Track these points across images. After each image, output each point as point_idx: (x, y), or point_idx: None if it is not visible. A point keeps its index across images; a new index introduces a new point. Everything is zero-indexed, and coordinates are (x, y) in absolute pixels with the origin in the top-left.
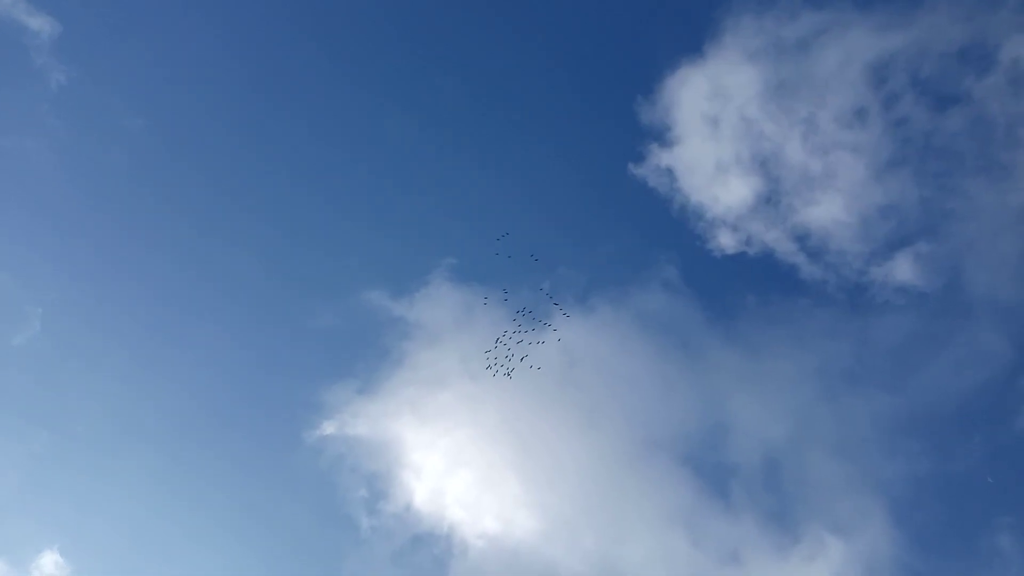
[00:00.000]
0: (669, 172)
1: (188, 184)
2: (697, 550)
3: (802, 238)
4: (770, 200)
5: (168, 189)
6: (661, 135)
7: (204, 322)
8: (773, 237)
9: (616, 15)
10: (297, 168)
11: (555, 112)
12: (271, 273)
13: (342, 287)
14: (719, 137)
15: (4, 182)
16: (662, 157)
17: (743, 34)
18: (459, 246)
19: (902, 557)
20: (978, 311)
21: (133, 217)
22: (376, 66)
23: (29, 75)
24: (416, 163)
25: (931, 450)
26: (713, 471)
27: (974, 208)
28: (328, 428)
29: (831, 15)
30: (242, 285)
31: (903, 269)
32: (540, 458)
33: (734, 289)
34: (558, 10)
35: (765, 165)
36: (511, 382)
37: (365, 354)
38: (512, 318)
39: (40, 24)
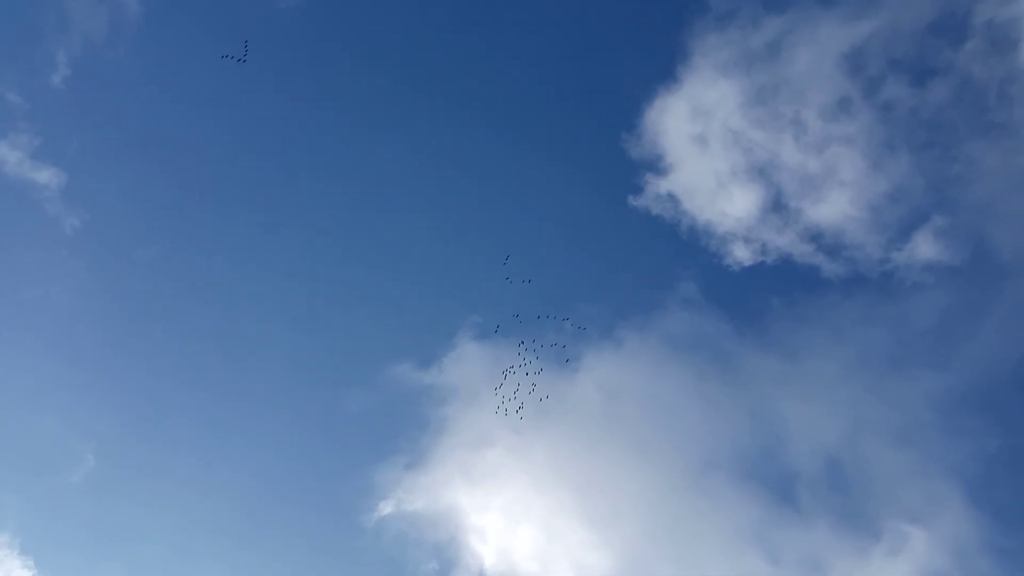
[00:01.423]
0: (671, 197)
1: (205, 299)
2: (776, 567)
3: (816, 238)
4: (776, 206)
5: (188, 306)
6: (654, 164)
7: (245, 429)
8: (787, 242)
9: (584, 58)
10: (306, 260)
11: (548, 163)
12: (297, 371)
13: (368, 369)
14: (711, 154)
15: (36, 331)
16: (660, 185)
17: (711, 51)
18: (480, 304)
19: (988, 537)
20: (1012, 272)
21: (162, 339)
22: (379, 146)
23: (44, 225)
24: (424, 231)
25: (993, 423)
26: (776, 481)
27: (980, 172)
28: (385, 508)
29: (794, 15)
30: (271, 388)
31: (925, 247)
32: (600, 498)
33: (759, 298)
34: (528, 61)
35: (764, 173)
36: (554, 428)
37: (405, 429)
38: (517, 351)
39: (48, 177)
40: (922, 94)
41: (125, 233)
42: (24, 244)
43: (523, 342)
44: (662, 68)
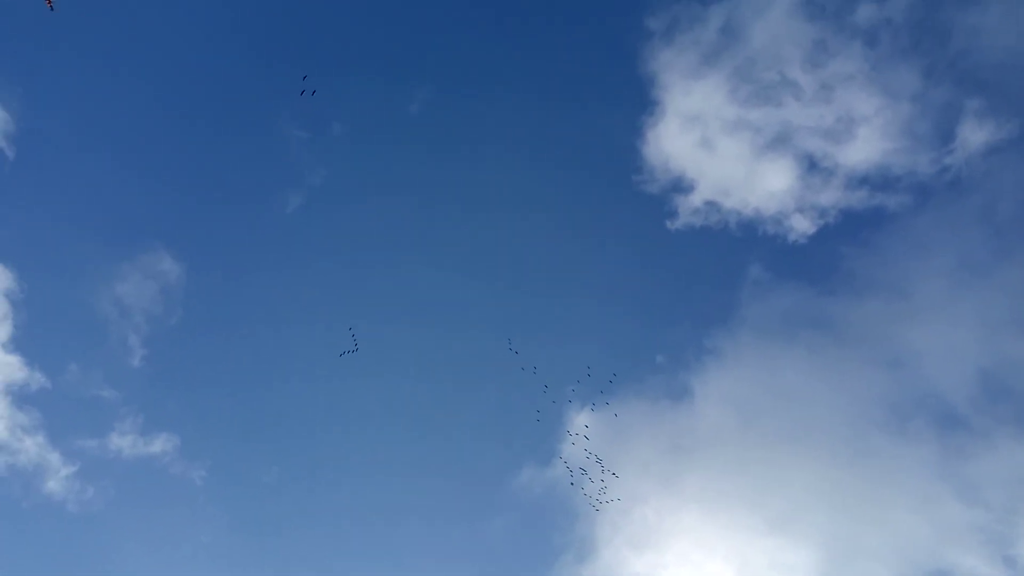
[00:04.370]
0: (710, 205)
1: (336, 488)
2: (976, 502)
3: (864, 181)
4: (812, 168)
5: (321, 499)
6: (678, 187)
7: None
8: (838, 196)
9: (566, 128)
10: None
11: (585, 237)
12: (430, 520)
13: (495, 491)
14: (724, 150)
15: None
16: (692, 200)
17: (673, 65)
18: (571, 376)
19: None
20: None
21: (309, 540)
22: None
23: (175, 485)
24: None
25: None
26: (937, 414)
27: (986, 38)
28: None
29: None
30: (418, 540)
31: (974, 135)
32: (775, 504)
33: (834, 256)
34: (519, 153)
35: (783, 143)
36: (697, 459)
37: (557, 525)
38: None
39: (162, 444)
40: (891, 2)
41: (246, 463)
42: (167, 507)
43: (539, 414)
44: (637, 102)
